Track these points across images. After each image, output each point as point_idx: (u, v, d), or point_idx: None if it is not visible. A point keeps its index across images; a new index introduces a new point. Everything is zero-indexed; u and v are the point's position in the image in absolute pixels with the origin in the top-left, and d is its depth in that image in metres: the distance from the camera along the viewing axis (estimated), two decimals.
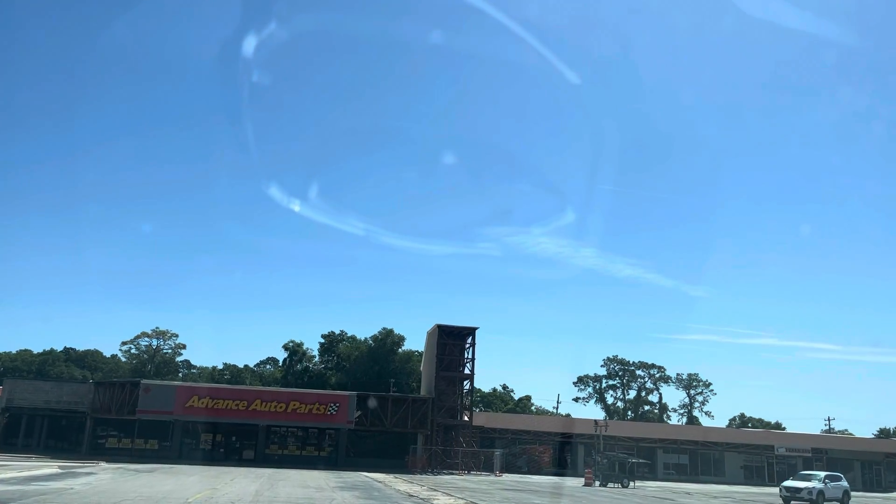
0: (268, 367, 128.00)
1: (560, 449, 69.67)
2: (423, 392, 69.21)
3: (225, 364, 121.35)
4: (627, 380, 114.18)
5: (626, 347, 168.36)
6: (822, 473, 46.13)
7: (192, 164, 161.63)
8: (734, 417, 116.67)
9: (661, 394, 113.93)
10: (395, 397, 63.81)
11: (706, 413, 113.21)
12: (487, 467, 62.38)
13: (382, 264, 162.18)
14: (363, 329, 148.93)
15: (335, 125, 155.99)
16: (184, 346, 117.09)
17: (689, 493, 47.74)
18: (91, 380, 72.97)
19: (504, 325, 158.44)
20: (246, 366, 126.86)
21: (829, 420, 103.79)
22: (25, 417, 61.80)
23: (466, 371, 63.54)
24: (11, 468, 36.65)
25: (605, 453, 56.14)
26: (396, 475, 50.90)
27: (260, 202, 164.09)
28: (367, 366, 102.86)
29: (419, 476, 51.96)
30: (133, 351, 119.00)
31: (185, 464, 52.68)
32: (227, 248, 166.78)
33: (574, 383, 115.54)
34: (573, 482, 55.72)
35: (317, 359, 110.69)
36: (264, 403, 60.20)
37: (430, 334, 66.74)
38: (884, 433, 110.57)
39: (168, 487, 29.32)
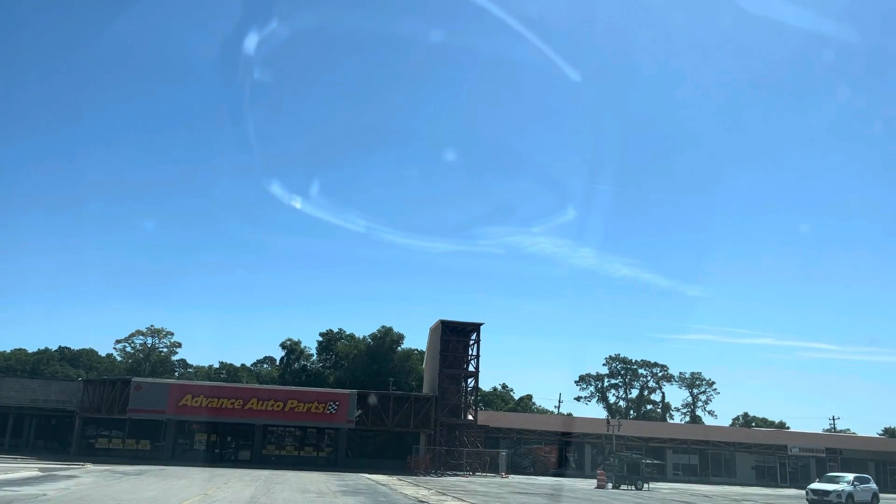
0: (265, 366, 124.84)
1: (565, 449, 66.64)
2: (425, 390, 66.13)
3: (221, 363, 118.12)
4: (629, 379, 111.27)
5: (627, 347, 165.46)
6: (851, 475, 43.15)
7: (194, 162, 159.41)
8: (737, 417, 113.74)
9: (663, 393, 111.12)
10: (396, 395, 60.69)
11: (709, 412, 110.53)
12: (492, 468, 59.36)
13: (382, 262, 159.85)
14: (362, 327, 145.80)
15: (336, 123, 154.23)
16: (179, 345, 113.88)
17: (707, 497, 44.73)
18: (81, 378, 69.52)
19: (503, 323, 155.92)
20: (243, 365, 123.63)
21: (833, 419, 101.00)
22: (13, 417, 58.52)
23: (471, 368, 60.49)
24: None
25: (618, 454, 53.11)
26: (400, 477, 47.83)
27: (261, 200, 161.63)
28: (365, 364, 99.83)
29: (423, 478, 48.90)
30: (128, 349, 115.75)
31: (178, 465, 49.54)
32: (228, 246, 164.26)
33: (576, 382, 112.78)
34: (583, 484, 52.70)
35: (315, 357, 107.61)
36: (261, 402, 57.05)
37: (432, 330, 63.66)
38: (889, 432, 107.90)
39: (152, 493, 26.20)
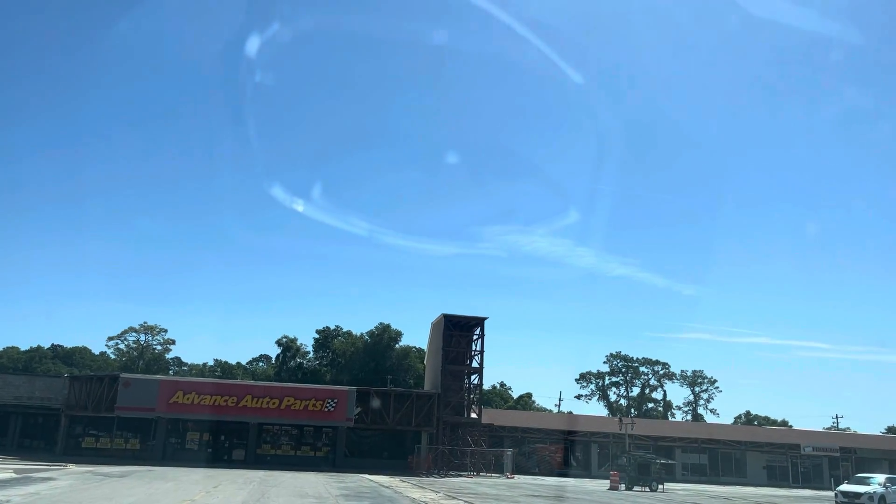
0: (261, 364, 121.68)
1: (570, 448, 63.62)
2: (427, 387, 63.00)
3: (216, 360, 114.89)
4: (631, 377, 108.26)
5: (627, 346, 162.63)
6: (882, 476, 40.21)
7: (195, 164, 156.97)
8: (740, 415, 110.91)
9: (665, 391, 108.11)
10: (397, 393, 57.49)
11: (711, 410, 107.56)
12: (497, 468, 56.35)
13: (383, 264, 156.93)
14: (360, 325, 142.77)
15: (338, 125, 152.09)
16: (173, 342, 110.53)
17: (728, 499, 41.75)
18: (67, 374, 66.18)
19: (501, 322, 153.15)
20: (238, 363, 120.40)
21: (836, 418, 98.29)
22: None
23: (474, 364, 57.38)
24: None
25: (630, 454, 50.07)
26: (402, 478, 44.70)
27: (263, 202, 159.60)
28: (363, 362, 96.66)
29: (427, 479, 45.79)
30: (121, 347, 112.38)
31: (168, 465, 46.34)
32: (227, 248, 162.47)
33: (576, 380, 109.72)
34: (592, 485, 49.69)
35: (311, 355, 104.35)
36: (256, 399, 53.84)
37: (434, 325, 60.54)
38: (892, 431, 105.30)
39: (132, 499, 23.05)
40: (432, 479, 46.55)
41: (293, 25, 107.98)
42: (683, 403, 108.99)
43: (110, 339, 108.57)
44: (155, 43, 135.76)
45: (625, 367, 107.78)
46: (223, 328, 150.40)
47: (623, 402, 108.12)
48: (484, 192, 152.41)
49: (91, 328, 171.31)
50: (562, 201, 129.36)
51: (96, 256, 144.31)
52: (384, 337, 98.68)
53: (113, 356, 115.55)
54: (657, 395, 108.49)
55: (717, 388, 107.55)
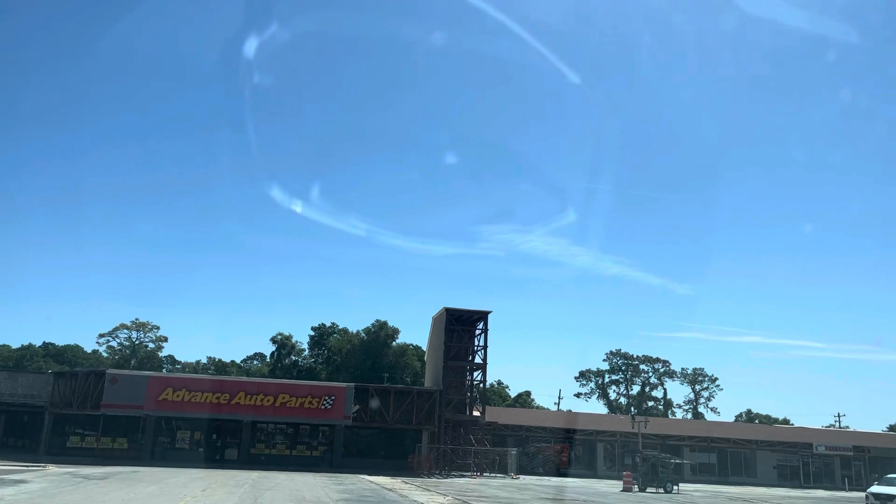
0: (255, 362, 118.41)
1: (575, 448, 60.76)
2: (427, 384, 60.05)
3: (209, 358, 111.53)
4: (630, 375, 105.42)
5: (624, 345, 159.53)
6: None
7: (193, 166, 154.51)
8: (740, 414, 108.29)
9: (665, 389, 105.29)
10: (397, 390, 54.50)
11: (711, 409, 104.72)
12: (500, 468, 53.49)
13: (381, 264, 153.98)
14: (356, 323, 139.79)
15: (337, 126, 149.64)
16: (165, 339, 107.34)
17: (747, 501, 39.01)
18: (51, 370, 63.01)
19: (499, 321, 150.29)
20: (232, 361, 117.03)
21: (838, 416, 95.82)
22: None
23: (477, 360, 54.46)
24: None
25: (643, 453, 47.25)
26: (404, 479, 41.80)
27: (261, 203, 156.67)
28: (359, 359, 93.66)
29: (430, 480, 42.87)
30: (113, 345, 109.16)
31: (157, 466, 43.42)
32: (227, 249, 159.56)
33: (575, 378, 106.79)
34: (602, 485, 46.87)
35: (306, 352, 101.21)
36: (249, 396, 50.84)
37: (436, 320, 57.62)
38: (893, 429, 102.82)
39: None
40: (435, 480, 43.65)
41: (291, 26, 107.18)
42: (684, 402, 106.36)
43: (101, 336, 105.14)
44: (153, 44, 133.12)
45: (625, 364, 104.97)
46: (220, 328, 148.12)
47: (623, 400, 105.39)
48: (482, 192, 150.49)
49: (86, 328, 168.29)
50: (560, 201, 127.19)
51: (94, 257, 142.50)
52: (381, 334, 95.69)
53: (105, 354, 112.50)
54: (657, 393, 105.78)
55: (719, 386, 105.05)
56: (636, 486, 43.28)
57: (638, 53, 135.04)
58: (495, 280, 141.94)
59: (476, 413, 53.90)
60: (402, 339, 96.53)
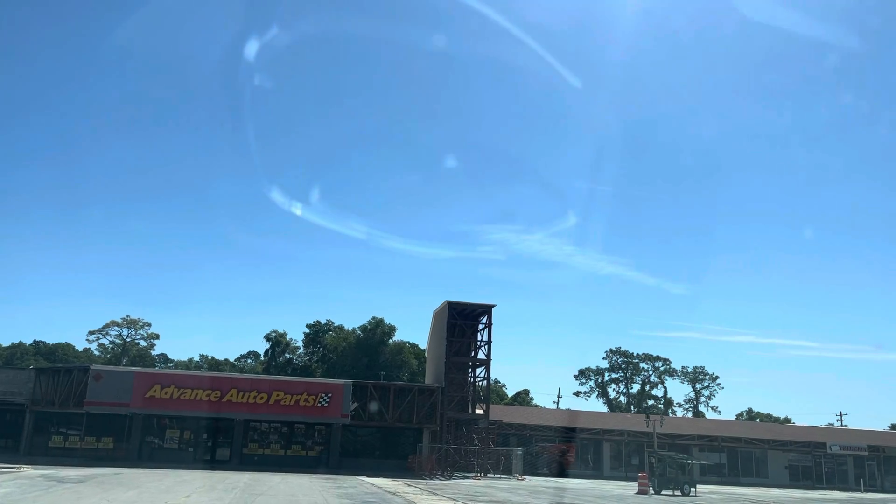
0: (249, 360, 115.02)
1: (581, 447, 57.88)
2: (428, 381, 57.07)
3: (202, 356, 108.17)
4: (630, 373, 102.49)
5: (623, 345, 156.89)
6: None
7: (193, 166, 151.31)
8: (741, 413, 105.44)
9: (665, 388, 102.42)
10: (397, 387, 51.45)
11: (712, 408, 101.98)
12: (505, 469, 50.57)
13: (381, 266, 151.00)
14: (352, 320, 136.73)
15: (337, 129, 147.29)
16: (157, 336, 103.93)
17: None
18: (32, 366, 59.72)
19: (496, 320, 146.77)
20: (226, 360, 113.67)
21: (840, 415, 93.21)
22: None
23: (481, 356, 51.51)
24: None
25: (660, 453, 44.34)
26: (406, 481, 38.76)
27: (261, 205, 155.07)
28: (355, 357, 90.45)
29: (434, 482, 39.82)
30: (104, 342, 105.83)
31: (143, 467, 40.31)
32: (227, 251, 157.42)
33: (575, 376, 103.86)
34: (612, 487, 43.98)
35: (301, 350, 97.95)
36: (242, 394, 47.76)
37: (437, 314, 54.62)
38: (894, 428, 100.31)
39: None
40: (438, 482, 40.62)
41: (292, 29, 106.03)
42: (684, 400, 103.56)
43: (91, 333, 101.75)
44: (155, 46, 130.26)
45: (625, 363, 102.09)
46: (218, 328, 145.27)
47: (623, 399, 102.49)
48: (482, 195, 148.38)
49: (79, 327, 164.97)
50: (560, 203, 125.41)
51: (90, 255, 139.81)
52: (377, 332, 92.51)
53: (97, 353, 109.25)
54: (657, 391, 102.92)
55: (719, 384, 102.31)
56: (651, 489, 40.36)
57: (638, 57, 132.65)
58: (494, 282, 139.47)
59: (479, 411, 50.95)
60: (398, 337, 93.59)
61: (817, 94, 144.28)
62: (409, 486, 34.97)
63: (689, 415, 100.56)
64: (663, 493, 40.36)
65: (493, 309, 50.66)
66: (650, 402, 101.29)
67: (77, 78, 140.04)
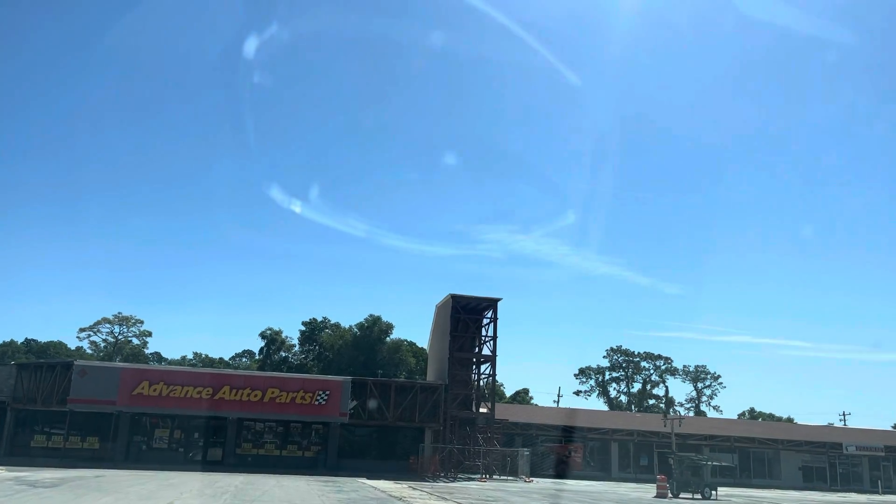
0: (243, 359, 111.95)
1: (588, 448, 55.16)
2: (429, 378, 54.26)
3: (195, 354, 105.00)
4: (631, 372, 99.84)
5: (627, 343, 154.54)
6: None
7: (192, 165, 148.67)
8: (743, 412, 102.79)
9: (667, 387, 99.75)
10: (398, 384, 48.67)
11: (714, 407, 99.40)
12: (511, 470, 47.81)
13: (379, 264, 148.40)
14: (349, 318, 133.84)
15: (336, 127, 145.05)
16: (149, 334, 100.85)
17: None
18: (14, 362, 56.67)
19: (499, 317, 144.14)
20: (221, 358, 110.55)
21: (844, 415, 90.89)
22: None
23: (486, 352, 48.74)
24: None
25: (678, 455, 41.62)
26: (410, 483, 35.94)
27: (260, 203, 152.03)
28: (352, 355, 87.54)
29: (439, 485, 37.02)
30: (96, 340, 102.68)
31: (130, 468, 37.50)
32: (226, 249, 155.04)
33: (575, 375, 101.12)
34: (628, 490, 41.26)
35: (297, 348, 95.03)
36: (235, 391, 44.87)
37: (439, 308, 51.85)
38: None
39: None
40: (443, 484, 37.83)
41: (291, 26, 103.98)
42: (686, 399, 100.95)
43: (82, 330, 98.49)
44: (153, 44, 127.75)
45: (625, 362, 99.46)
46: (213, 326, 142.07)
47: (623, 398, 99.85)
48: (481, 193, 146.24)
49: (72, 325, 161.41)
50: (559, 202, 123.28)
51: (86, 253, 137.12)
52: (374, 329, 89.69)
53: (89, 351, 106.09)
54: (658, 390, 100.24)
55: (721, 383, 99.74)
56: (670, 492, 37.62)
57: (637, 55, 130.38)
58: (493, 280, 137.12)
59: (483, 410, 48.17)
60: (395, 335, 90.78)
61: (816, 91, 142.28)
62: (414, 489, 32.15)
63: (692, 414, 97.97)
64: (682, 496, 37.67)
65: (499, 303, 48.02)
66: (651, 402, 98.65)
67: (75, 75, 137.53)
